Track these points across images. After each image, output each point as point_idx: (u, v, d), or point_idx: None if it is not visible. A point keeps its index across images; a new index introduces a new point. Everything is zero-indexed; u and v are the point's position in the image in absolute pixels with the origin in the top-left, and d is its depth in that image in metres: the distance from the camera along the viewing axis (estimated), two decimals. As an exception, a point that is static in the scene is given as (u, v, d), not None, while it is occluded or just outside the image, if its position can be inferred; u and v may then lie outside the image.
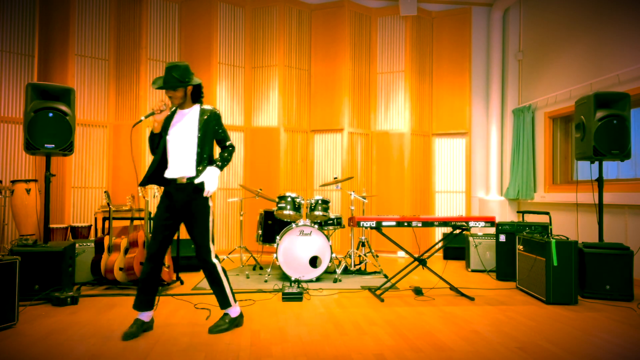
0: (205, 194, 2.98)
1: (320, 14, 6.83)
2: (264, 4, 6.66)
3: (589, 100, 4.20)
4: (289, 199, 4.86)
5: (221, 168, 3.06)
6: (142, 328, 2.97)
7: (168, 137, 3.04)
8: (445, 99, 6.99)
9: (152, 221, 3.06)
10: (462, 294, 4.09)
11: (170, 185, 3.02)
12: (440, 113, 7.01)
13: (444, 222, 4.06)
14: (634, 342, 2.89)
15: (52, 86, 4.08)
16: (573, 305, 3.81)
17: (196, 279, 4.76)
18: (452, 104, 6.95)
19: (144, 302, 2.98)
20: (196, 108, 3.08)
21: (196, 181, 2.97)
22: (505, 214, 6.65)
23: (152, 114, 2.99)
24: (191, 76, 3.01)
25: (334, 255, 4.74)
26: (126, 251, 4.28)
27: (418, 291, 4.17)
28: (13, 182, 4.99)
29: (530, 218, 6.14)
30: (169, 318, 3.32)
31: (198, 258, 3.03)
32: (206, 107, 3.10)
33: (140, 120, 3.07)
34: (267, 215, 5.23)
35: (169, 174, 3.02)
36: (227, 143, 3.15)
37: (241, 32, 6.66)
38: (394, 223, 4.03)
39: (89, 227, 5.49)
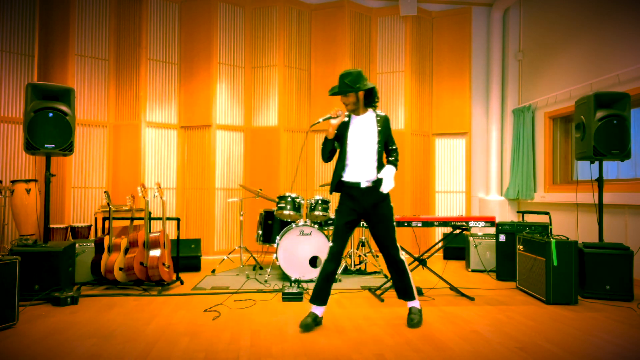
0: (381, 190, 3.08)
1: (320, 14, 6.83)
2: (264, 4, 6.66)
3: (589, 100, 4.20)
4: (289, 199, 4.86)
5: (396, 167, 3.21)
6: (316, 321, 3.13)
7: (347, 142, 3.17)
8: (445, 99, 6.99)
9: (334, 224, 3.23)
10: (462, 294, 4.09)
11: (352, 189, 3.15)
12: (440, 113, 7.01)
13: (444, 222, 4.06)
14: (634, 342, 2.89)
15: (52, 86, 4.08)
16: (573, 305, 3.81)
17: (196, 279, 4.76)
18: (452, 104, 6.95)
19: (320, 297, 3.14)
20: (371, 113, 3.20)
21: (378, 176, 3.11)
22: (505, 214, 6.65)
23: (329, 117, 3.14)
24: (363, 82, 3.11)
25: (334, 255, 4.73)
26: (126, 251, 4.28)
27: (418, 291, 4.16)
28: (13, 182, 4.99)
29: (530, 218, 6.14)
30: (169, 318, 3.32)
31: (387, 255, 3.19)
32: (379, 112, 3.22)
33: (318, 122, 3.25)
34: (267, 215, 5.23)
35: (350, 177, 3.15)
36: (394, 147, 3.29)
37: (241, 32, 6.66)
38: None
39: (89, 227, 5.49)
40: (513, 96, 6.85)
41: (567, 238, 3.95)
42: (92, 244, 4.53)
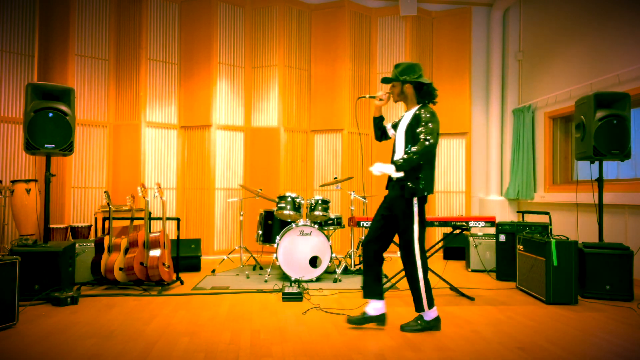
0: (370, 168, 2.98)
1: (320, 14, 6.83)
2: (264, 4, 6.66)
3: (589, 100, 4.20)
4: (289, 199, 4.86)
5: (398, 166, 2.88)
6: (365, 320, 3.07)
7: (395, 137, 3.17)
8: (445, 99, 6.97)
9: None
10: (462, 294, 4.09)
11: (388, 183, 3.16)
12: (440, 113, 6.90)
13: (444, 222, 4.06)
14: (634, 342, 2.89)
15: (52, 86, 4.08)
16: (573, 305, 3.81)
17: (196, 279, 4.76)
18: (452, 104, 6.94)
19: (364, 289, 3.11)
20: (414, 110, 3.08)
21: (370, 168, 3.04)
22: (505, 214, 6.65)
23: (373, 97, 3.24)
24: (411, 75, 3.06)
25: (334, 255, 4.74)
26: (126, 251, 4.28)
27: (418, 291, 4.16)
28: (13, 182, 4.99)
29: (530, 218, 6.14)
30: (169, 318, 3.32)
31: (401, 256, 3.09)
32: (422, 108, 3.04)
33: (363, 97, 3.49)
34: (267, 215, 5.23)
35: None
36: (420, 138, 2.92)
37: (241, 32, 6.65)
38: (394, 223, 4.02)
39: (89, 227, 5.49)
40: (513, 96, 6.85)
41: (567, 238, 3.95)
42: (92, 244, 4.53)
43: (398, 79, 3.10)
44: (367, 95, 3.39)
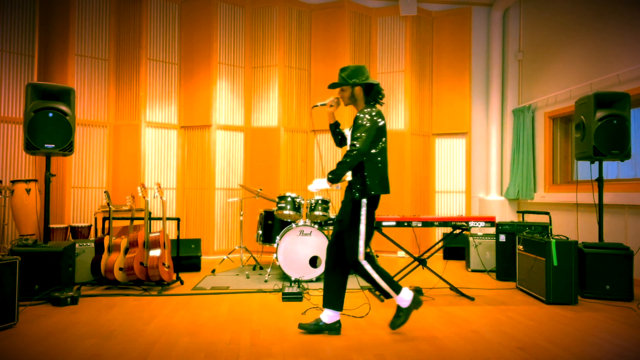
0: (309, 186, 2.99)
1: (320, 14, 6.83)
2: (264, 4, 6.66)
3: (589, 100, 4.20)
4: (289, 199, 4.86)
5: (330, 179, 2.86)
6: (319, 328, 2.97)
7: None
8: (445, 99, 6.99)
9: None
10: (462, 294, 4.09)
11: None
12: (440, 113, 7.01)
13: (444, 222, 4.06)
14: (634, 342, 2.89)
15: (52, 86, 4.08)
16: (573, 305, 3.81)
17: (196, 279, 4.76)
18: (452, 104, 6.94)
19: (324, 298, 3.01)
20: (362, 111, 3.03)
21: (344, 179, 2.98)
22: (505, 214, 6.65)
23: (324, 104, 3.24)
24: (359, 77, 3.03)
25: (334, 255, 4.73)
26: (126, 251, 4.28)
27: (418, 291, 4.16)
28: (13, 182, 4.99)
29: (530, 218, 6.14)
30: (169, 318, 3.32)
31: (347, 258, 2.98)
32: (364, 109, 2.99)
33: (316, 106, 3.34)
34: (267, 215, 5.23)
35: None
36: (350, 143, 2.90)
37: (241, 32, 6.65)
38: (394, 223, 4.03)
39: (89, 227, 5.49)
40: (513, 96, 6.85)
41: (567, 238, 3.95)
42: (92, 244, 4.53)
43: (347, 83, 3.05)
44: (319, 104, 3.31)
